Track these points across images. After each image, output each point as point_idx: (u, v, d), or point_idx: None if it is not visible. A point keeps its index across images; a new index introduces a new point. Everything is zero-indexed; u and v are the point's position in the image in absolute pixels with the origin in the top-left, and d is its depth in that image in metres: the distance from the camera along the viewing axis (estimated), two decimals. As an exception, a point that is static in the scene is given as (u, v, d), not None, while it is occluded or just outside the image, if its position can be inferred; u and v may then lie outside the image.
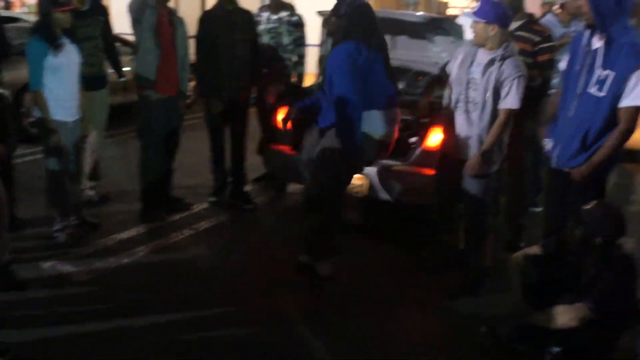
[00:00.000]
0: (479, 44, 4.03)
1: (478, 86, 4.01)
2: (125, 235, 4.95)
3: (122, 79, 5.98)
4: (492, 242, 4.43)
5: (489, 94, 3.96)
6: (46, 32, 4.41)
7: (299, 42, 6.17)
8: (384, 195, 4.87)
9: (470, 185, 4.14)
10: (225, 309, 3.96)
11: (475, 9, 3.99)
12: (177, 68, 5.17)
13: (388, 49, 4.26)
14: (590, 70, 3.45)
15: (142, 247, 4.75)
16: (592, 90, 3.43)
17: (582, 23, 3.70)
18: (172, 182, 5.55)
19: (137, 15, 4.94)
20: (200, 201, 5.72)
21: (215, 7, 5.46)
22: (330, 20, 4.17)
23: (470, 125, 4.06)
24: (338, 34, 4.07)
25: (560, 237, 3.54)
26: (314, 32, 6.32)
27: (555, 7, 6.05)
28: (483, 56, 4.00)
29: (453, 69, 4.17)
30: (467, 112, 4.07)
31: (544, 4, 8.63)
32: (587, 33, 3.52)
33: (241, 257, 4.72)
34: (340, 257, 4.37)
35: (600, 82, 3.39)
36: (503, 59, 3.93)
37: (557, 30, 5.73)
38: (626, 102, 3.33)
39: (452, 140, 4.18)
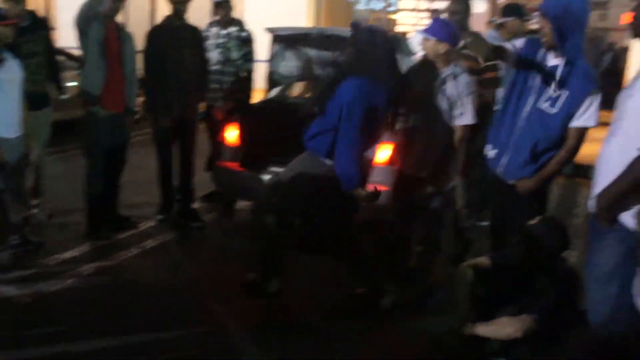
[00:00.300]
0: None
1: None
2: (69, 254, 4.82)
3: (63, 97, 5.85)
4: (441, 257, 4.48)
5: (441, 112, 4.06)
6: None
7: (248, 57, 6.18)
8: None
9: (424, 201, 4.20)
10: (173, 329, 3.88)
11: (427, 27, 4.09)
12: (125, 84, 5.09)
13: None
14: (543, 87, 3.56)
15: (87, 266, 4.64)
16: (544, 106, 3.54)
17: (521, 41, 3.80)
18: (118, 199, 5.45)
19: (83, 27, 4.86)
20: (147, 219, 5.63)
21: (163, 23, 5.44)
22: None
23: (423, 142, 4.14)
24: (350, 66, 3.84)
25: (506, 250, 3.62)
26: (262, 48, 6.32)
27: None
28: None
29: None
30: (421, 130, 4.16)
31: (489, 22, 8.86)
32: (543, 49, 3.61)
33: (189, 275, 4.64)
34: (290, 273, 4.34)
35: (553, 100, 3.51)
36: (454, 76, 4.03)
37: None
38: (578, 122, 3.49)
39: (411, 157, 4.24)
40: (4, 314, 3.94)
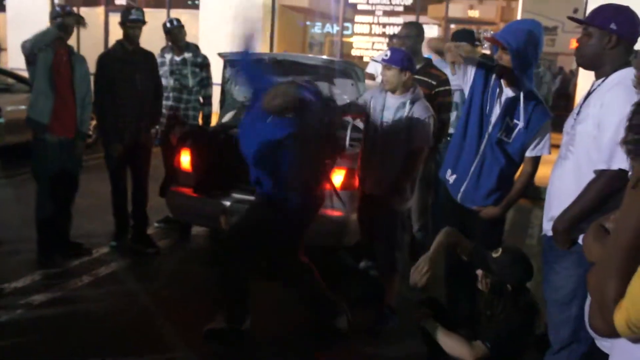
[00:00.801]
0: (390, 89, 4.22)
1: (390, 128, 4.20)
2: (20, 284, 4.71)
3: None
4: (397, 281, 4.51)
5: (401, 136, 4.15)
6: None
7: (205, 82, 6.17)
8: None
9: (383, 222, 4.28)
10: None
11: (387, 57, 4.17)
12: (76, 108, 5.05)
13: None
14: (501, 117, 3.62)
15: (38, 296, 4.53)
16: (502, 135, 3.62)
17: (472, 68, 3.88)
18: (70, 225, 5.35)
19: (30, 57, 4.81)
20: (101, 245, 5.54)
21: (114, 48, 5.40)
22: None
23: (383, 164, 4.22)
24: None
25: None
26: (218, 72, 6.31)
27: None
28: (392, 100, 4.22)
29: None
30: (382, 153, 4.24)
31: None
32: (493, 78, 3.68)
33: (143, 304, 4.57)
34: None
35: (509, 130, 3.60)
36: (413, 102, 4.16)
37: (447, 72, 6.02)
38: (534, 152, 3.62)
39: (368, 179, 4.34)
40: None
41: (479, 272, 3.26)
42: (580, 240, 2.79)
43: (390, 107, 4.21)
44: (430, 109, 4.23)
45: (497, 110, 3.64)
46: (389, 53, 4.22)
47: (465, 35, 5.67)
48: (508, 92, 3.62)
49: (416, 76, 4.90)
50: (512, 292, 3.18)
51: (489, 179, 3.69)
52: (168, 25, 6.08)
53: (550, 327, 3.09)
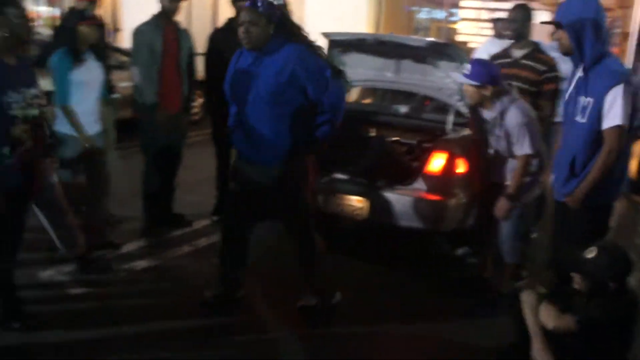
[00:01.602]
0: (474, 105, 4.10)
1: (492, 138, 4.09)
2: (124, 249, 4.96)
3: (115, 96, 5.88)
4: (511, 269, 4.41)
5: (503, 145, 4.05)
6: (71, 47, 4.40)
7: None
8: (385, 220, 4.85)
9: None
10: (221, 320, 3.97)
11: (467, 72, 3.99)
12: (182, 85, 5.21)
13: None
14: (576, 99, 3.49)
15: (141, 261, 4.76)
16: (578, 117, 3.47)
17: None
18: (173, 198, 5.56)
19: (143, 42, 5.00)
20: (201, 217, 5.71)
21: (225, 25, 5.47)
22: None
23: (496, 164, 4.17)
24: None
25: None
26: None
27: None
28: (487, 115, 4.06)
29: None
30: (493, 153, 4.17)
31: (553, 34, 8.66)
32: (572, 62, 3.55)
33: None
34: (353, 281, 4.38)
35: (583, 110, 3.43)
36: (502, 114, 3.97)
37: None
38: (605, 123, 3.36)
39: (493, 167, 4.23)
40: (62, 304, 4.10)
41: (576, 276, 3.11)
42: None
43: (487, 120, 4.08)
44: (526, 111, 3.98)
45: (573, 93, 3.52)
46: (469, 68, 4.02)
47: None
48: (578, 71, 3.47)
49: (523, 61, 4.74)
50: (615, 290, 3.03)
51: (565, 167, 3.54)
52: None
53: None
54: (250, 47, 3.61)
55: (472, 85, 3.95)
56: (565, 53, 3.52)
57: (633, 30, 9.84)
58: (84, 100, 4.46)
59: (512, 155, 4.05)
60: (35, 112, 3.30)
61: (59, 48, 4.46)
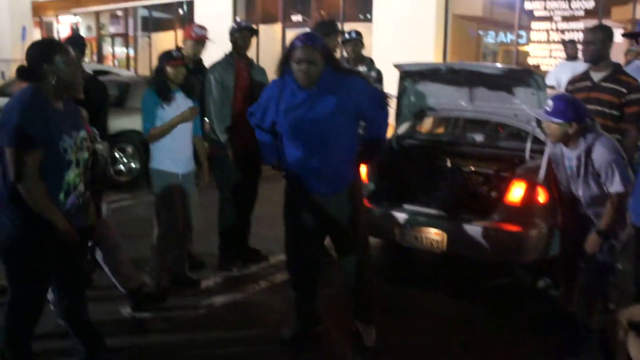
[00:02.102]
0: (557, 142, 3.94)
1: (578, 180, 3.93)
2: (203, 285, 5.02)
3: None
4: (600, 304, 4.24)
5: (591, 184, 3.88)
6: (159, 85, 4.61)
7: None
8: (464, 252, 4.75)
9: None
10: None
11: (550, 109, 3.81)
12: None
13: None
14: None
15: (219, 297, 4.80)
16: None
17: None
18: (249, 232, 5.59)
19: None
20: (277, 252, 5.72)
21: None
22: None
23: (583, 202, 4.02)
24: None
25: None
26: (392, 84, 6.31)
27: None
28: (569, 153, 3.91)
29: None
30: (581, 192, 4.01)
31: (627, 52, 8.40)
32: None
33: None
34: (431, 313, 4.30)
35: None
36: (588, 152, 3.80)
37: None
38: None
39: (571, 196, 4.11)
40: (140, 338, 4.18)
41: None
42: None
43: (571, 157, 3.90)
44: (611, 148, 3.77)
45: None
46: (551, 104, 3.83)
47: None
48: None
49: (604, 84, 4.58)
50: None
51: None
52: (347, 36, 6.17)
53: None
54: (307, 85, 3.63)
55: (554, 122, 3.80)
56: None
57: None
58: (176, 138, 4.61)
59: (603, 192, 3.88)
60: (86, 155, 3.36)
61: (150, 86, 4.69)
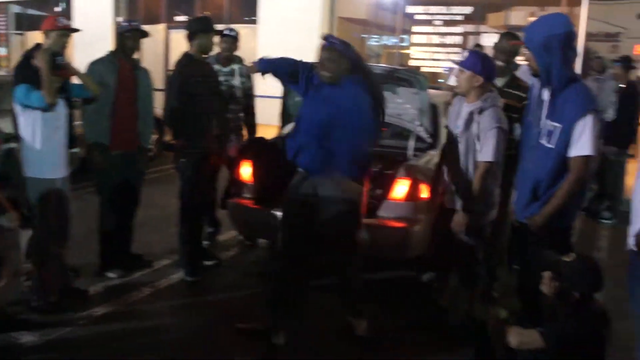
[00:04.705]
0: (461, 93, 4.07)
1: (461, 139, 4.03)
2: (82, 294, 4.74)
3: None
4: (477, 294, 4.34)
5: (471, 147, 3.98)
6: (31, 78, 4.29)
7: (249, 93, 6.15)
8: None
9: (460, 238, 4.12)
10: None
11: (462, 59, 4.03)
12: (138, 122, 5.06)
13: None
14: (542, 122, 3.45)
15: (99, 308, 4.54)
16: (543, 141, 3.43)
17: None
18: (131, 238, 5.36)
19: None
20: (161, 257, 5.53)
21: (186, 59, 5.14)
22: None
23: (455, 179, 4.11)
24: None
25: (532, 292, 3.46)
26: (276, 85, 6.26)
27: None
28: (465, 109, 4.03)
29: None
30: (455, 166, 4.10)
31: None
32: (537, 84, 3.53)
33: (202, 317, 4.53)
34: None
35: (549, 134, 3.38)
36: (481, 111, 3.94)
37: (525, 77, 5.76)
38: (573, 152, 3.32)
39: (446, 192, 4.22)
40: (14, 357, 3.87)
41: (547, 274, 3.11)
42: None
43: (463, 116, 4.03)
44: (499, 119, 3.94)
45: (538, 116, 3.48)
46: (466, 55, 4.09)
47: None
48: (544, 94, 3.45)
49: (506, 89, 4.68)
50: (578, 300, 3.01)
51: (527, 190, 3.51)
52: (227, 31, 6.07)
53: (638, 343, 2.89)
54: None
55: (465, 72, 3.95)
56: (536, 75, 3.50)
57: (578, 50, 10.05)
58: (52, 142, 4.39)
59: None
60: None
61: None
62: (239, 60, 6.20)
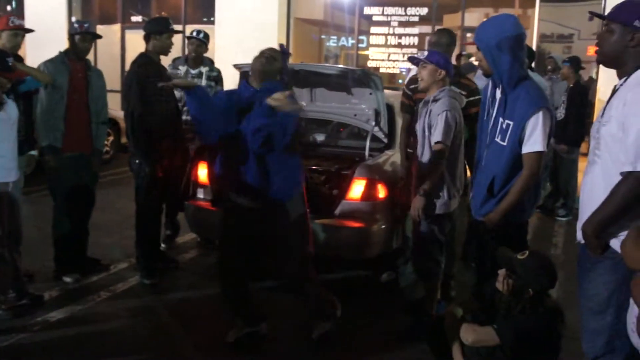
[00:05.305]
0: (423, 88, 4.15)
1: (418, 129, 4.15)
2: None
3: None
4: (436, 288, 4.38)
5: (426, 134, 4.07)
6: None
7: None
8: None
9: (416, 228, 4.19)
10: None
11: (425, 55, 4.16)
12: (91, 125, 5.01)
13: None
14: (495, 120, 3.52)
15: (56, 312, 4.48)
16: (498, 139, 3.49)
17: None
18: (87, 241, 5.30)
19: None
20: (118, 261, 5.48)
21: (142, 59, 5.08)
22: None
23: (417, 172, 4.20)
24: None
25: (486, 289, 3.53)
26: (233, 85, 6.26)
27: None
28: (427, 98, 4.14)
29: None
30: (416, 160, 4.21)
31: (459, 57, 8.90)
32: (491, 83, 3.61)
33: (161, 319, 4.51)
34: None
35: (503, 132, 3.45)
36: (435, 100, 4.03)
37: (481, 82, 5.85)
38: (526, 148, 3.39)
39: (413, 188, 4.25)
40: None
41: (502, 271, 3.18)
42: (613, 245, 2.69)
43: (426, 101, 4.14)
44: (449, 104, 4.00)
45: (493, 114, 3.54)
46: (426, 53, 4.22)
47: None
48: (497, 93, 3.52)
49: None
50: (532, 297, 3.10)
51: (483, 188, 3.55)
52: (195, 34, 6.04)
53: (584, 336, 2.97)
54: None
55: (427, 66, 4.07)
56: (486, 74, 3.58)
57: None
58: (4, 144, 4.22)
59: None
60: None
61: None
62: (208, 62, 6.18)
